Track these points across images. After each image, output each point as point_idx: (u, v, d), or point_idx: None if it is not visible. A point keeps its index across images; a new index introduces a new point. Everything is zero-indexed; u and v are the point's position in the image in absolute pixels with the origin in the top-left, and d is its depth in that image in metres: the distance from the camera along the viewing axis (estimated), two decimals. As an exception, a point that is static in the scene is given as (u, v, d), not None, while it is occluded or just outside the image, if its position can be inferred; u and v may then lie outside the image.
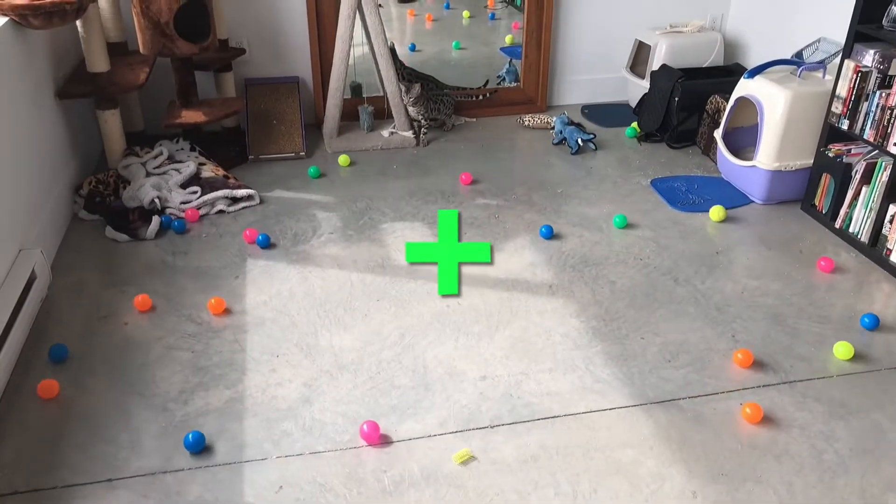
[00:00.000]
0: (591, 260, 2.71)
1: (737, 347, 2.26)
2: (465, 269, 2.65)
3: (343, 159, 3.43)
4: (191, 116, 3.23)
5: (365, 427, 1.90)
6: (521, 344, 2.28)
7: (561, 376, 2.15)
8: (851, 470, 1.84)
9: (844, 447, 1.91)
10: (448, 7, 4.83)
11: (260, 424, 1.96)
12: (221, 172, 3.17)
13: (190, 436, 1.86)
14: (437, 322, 2.37)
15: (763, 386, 2.11)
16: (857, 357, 2.22)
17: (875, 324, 2.33)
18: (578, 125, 3.66)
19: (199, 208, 2.97)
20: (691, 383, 2.12)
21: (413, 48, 4.56)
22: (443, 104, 3.75)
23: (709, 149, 3.51)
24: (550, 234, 2.84)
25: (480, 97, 3.96)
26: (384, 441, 1.91)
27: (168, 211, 2.94)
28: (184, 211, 2.94)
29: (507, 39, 4.67)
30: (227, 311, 2.36)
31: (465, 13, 4.79)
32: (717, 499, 1.76)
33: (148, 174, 3.08)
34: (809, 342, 2.29)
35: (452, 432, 1.95)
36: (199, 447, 1.86)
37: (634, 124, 3.79)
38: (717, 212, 2.97)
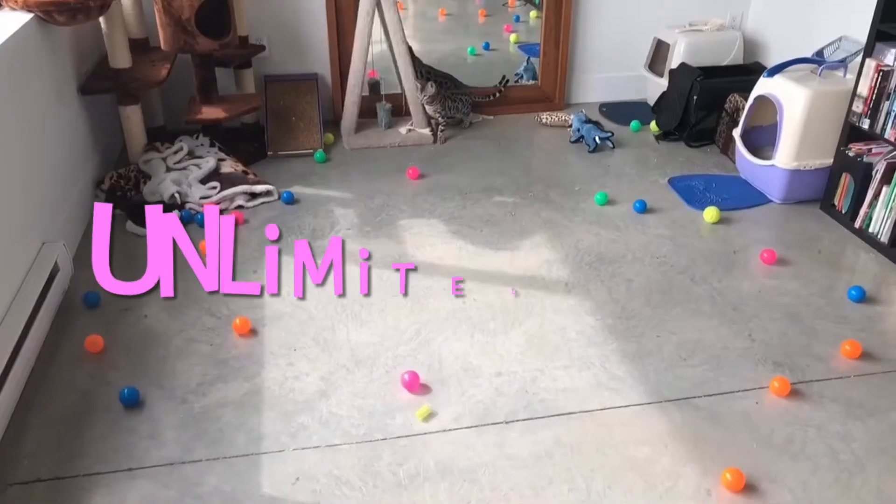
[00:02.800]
0: (607, 258, 2.71)
1: (753, 346, 2.25)
2: (481, 266, 2.65)
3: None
4: (211, 112, 3.26)
5: (406, 376, 2.06)
6: (536, 341, 2.28)
7: (576, 373, 2.16)
8: (868, 469, 1.83)
9: (861, 447, 1.90)
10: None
11: (277, 417, 1.98)
12: (241, 168, 3.20)
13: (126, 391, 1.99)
14: (454, 318, 2.38)
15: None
16: (877, 357, 2.21)
17: (861, 296, 2.41)
18: (596, 123, 3.66)
19: (218, 203, 3.00)
20: (707, 381, 2.12)
21: (487, 46, 4.56)
22: (461, 103, 3.75)
23: (727, 148, 3.50)
24: (644, 208, 2.99)
25: (495, 95, 3.95)
26: (423, 390, 2.07)
27: (188, 205, 2.97)
28: (202, 205, 2.96)
29: (513, 38, 4.67)
30: (253, 332, 2.31)
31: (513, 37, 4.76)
32: (731, 497, 1.76)
33: (168, 169, 3.11)
34: (827, 342, 2.28)
35: (468, 427, 1.97)
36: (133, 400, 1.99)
37: (646, 122, 3.79)
38: (710, 213, 2.96)
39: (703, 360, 2.20)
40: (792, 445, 1.90)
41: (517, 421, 1.99)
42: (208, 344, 2.25)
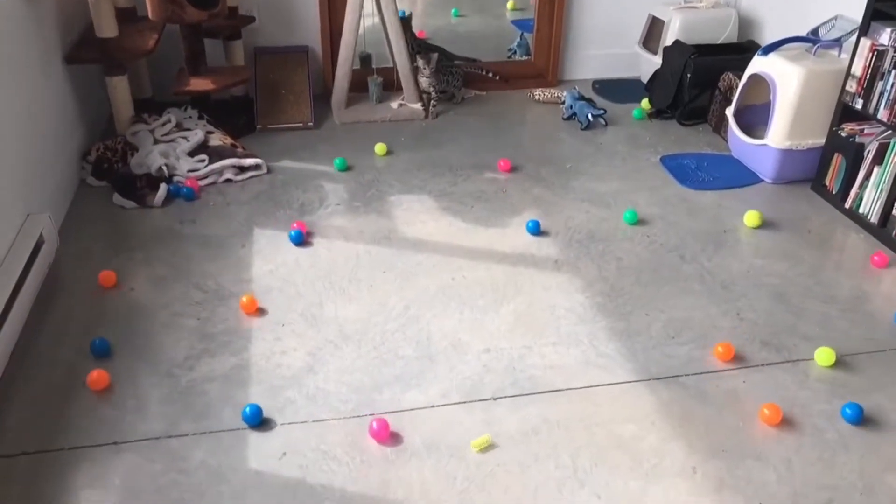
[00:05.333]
0: (597, 236, 2.70)
1: (741, 325, 2.26)
2: (471, 243, 2.64)
3: (380, 148, 3.26)
4: (199, 84, 3.22)
5: (374, 425, 1.83)
6: (525, 318, 2.28)
7: (564, 350, 2.16)
8: (851, 449, 1.85)
9: (845, 426, 1.91)
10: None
11: (264, 392, 1.98)
12: (229, 141, 3.17)
13: (247, 408, 1.87)
14: (442, 295, 2.37)
15: (766, 364, 2.11)
16: (864, 339, 2.22)
17: (857, 415, 1.93)
18: (589, 100, 3.63)
19: (206, 177, 2.97)
20: (694, 360, 2.12)
21: (456, 13, 4.52)
22: (452, 76, 3.72)
23: (720, 126, 3.48)
24: (537, 230, 2.71)
25: (488, 73, 3.91)
26: (395, 440, 1.84)
27: (175, 178, 2.94)
28: (186, 179, 2.93)
29: (510, 5, 4.61)
30: (260, 311, 2.27)
31: (510, 4, 4.70)
32: (716, 475, 1.77)
33: (156, 141, 3.08)
34: (814, 322, 2.28)
35: (455, 403, 1.97)
36: (257, 419, 1.88)
37: (645, 101, 3.76)
38: (752, 217, 2.78)
39: (691, 339, 2.20)
40: (777, 424, 1.91)
41: (505, 397, 1.99)
42: (195, 318, 2.24)
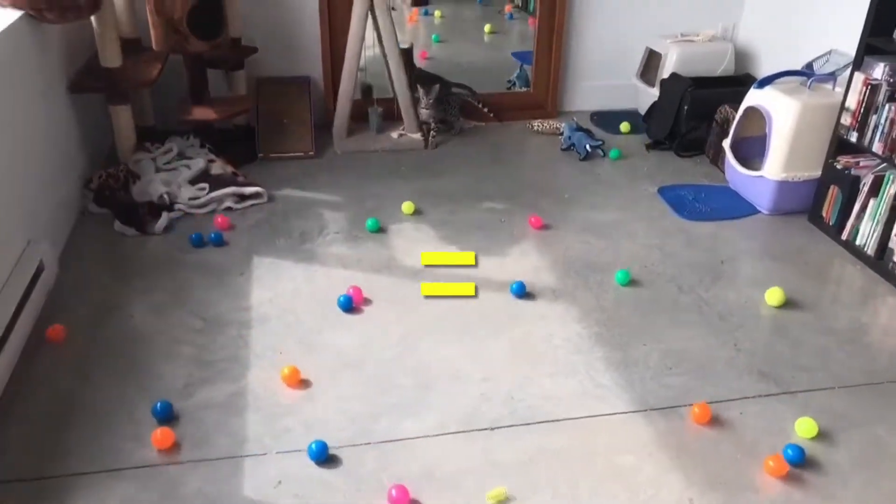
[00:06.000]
0: (595, 266, 2.71)
1: (738, 356, 2.26)
2: (469, 272, 2.65)
3: (407, 207, 3.04)
4: (202, 113, 3.26)
5: (394, 492, 1.74)
6: (522, 347, 2.28)
7: (562, 380, 2.16)
8: (850, 483, 1.84)
9: (844, 459, 1.91)
10: (427, 13, 4.88)
11: (261, 420, 1.98)
12: (231, 170, 3.19)
13: (314, 445, 1.85)
14: (440, 323, 2.38)
15: (764, 395, 2.11)
16: (862, 370, 2.22)
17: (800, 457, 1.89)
18: (587, 131, 3.67)
19: (206, 204, 2.99)
20: (692, 391, 2.12)
21: (437, 39, 4.62)
22: (449, 105, 3.76)
23: (717, 158, 3.52)
24: (522, 292, 2.52)
25: (483, 106, 3.94)
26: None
27: (177, 206, 2.96)
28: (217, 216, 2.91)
29: (487, 28, 4.75)
30: (304, 383, 2.08)
31: (487, 27, 4.82)
32: (713, 502, 1.76)
33: (158, 170, 3.10)
34: (812, 354, 2.29)
35: (452, 433, 1.96)
36: (323, 455, 1.85)
37: (625, 124, 3.87)
38: (774, 294, 2.50)
39: (689, 370, 2.21)
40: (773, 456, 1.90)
41: (502, 427, 1.99)
42: (193, 345, 2.24)
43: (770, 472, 1.84)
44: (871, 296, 2.60)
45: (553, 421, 2.01)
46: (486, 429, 1.98)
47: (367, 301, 2.46)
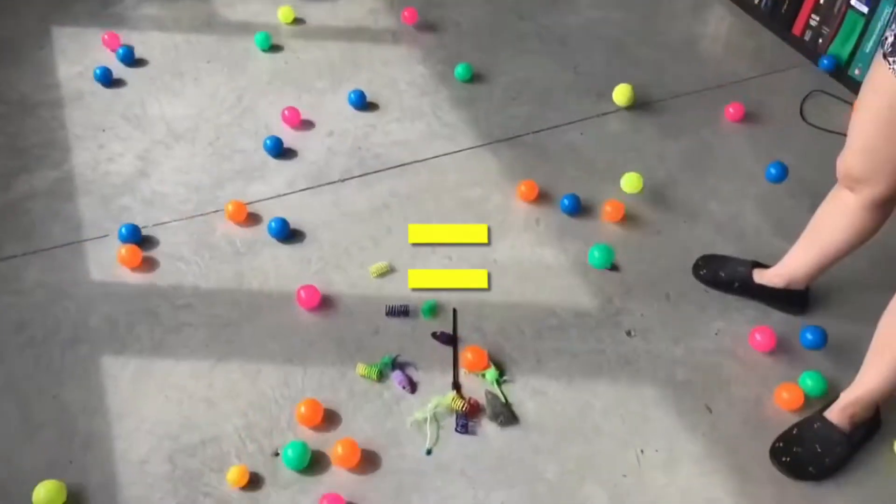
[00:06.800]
0: (433, 1, 2.57)
1: (578, 79, 2.29)
2: (302, 18, 2.45)
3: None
4: None
5: (303, 294, 1.64)
6: (366, 95, 2.20)
7: (409, 125, 2.12)
8: (679, 180, 1.98)
9: (675, 163, 2.04)
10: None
11: (95, 202, 1.85)
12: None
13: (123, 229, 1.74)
14: (277, 80, 2.24)
15: (605, 114, 2.17)
16: (691, 76, 2.31)
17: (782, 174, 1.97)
18: None
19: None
20: (535, 118, 2.15)
21: None
22: None
23: None
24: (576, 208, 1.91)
25: None
26: (326, 304, 1.68)
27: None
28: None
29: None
30: (326, 422, 1.49)
31: None
32: (559, 225, 1.86)
33: None
34: (650, 69, 2.34)
35: (302, 190, 1.93)
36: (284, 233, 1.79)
37: None
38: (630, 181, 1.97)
39: (532, 98, 2.22)
40: (614, 167, 2.00)
41: (352, 178, 1.97)
42: (2, 134, 2.01)
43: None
44: (701, 6, 2.63)
45: (402, 165, 2.00)
46: (335, 181, 1.95)
47: (195, 67, 2.26)
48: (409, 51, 2.37)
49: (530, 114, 2.16)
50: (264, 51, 2.32)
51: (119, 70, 2.21)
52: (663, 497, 1.39)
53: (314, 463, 1.39)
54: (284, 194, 1.91)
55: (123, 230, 1.74)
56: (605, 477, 1.41)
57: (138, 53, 2.28)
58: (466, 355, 1.55)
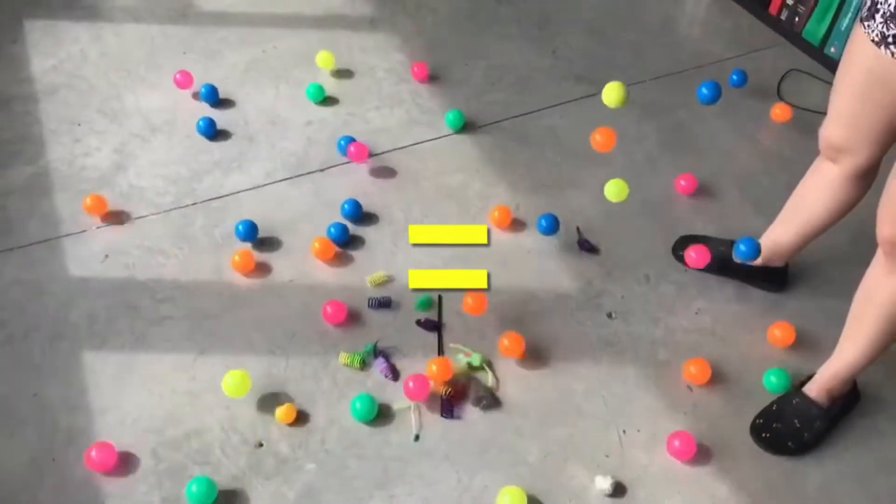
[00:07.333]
0: (411, -12, 2.56)
1: (557, 64, 2.28)
2: (279, 9, 2.44)
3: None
4: None
5: (352, 149, 1.91)
6: (345, 84, 2.19)
7: (388, 112, 2.12)
8: (659, 161, 1.99)
9: (653, 144, 2.04)
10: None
11: (72, 198, 1.84)
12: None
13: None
14: (254, 71, 2.22)
15: (584, 98, 2.17)
16: (670, 59, 2.31)
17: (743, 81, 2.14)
18: None
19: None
20: (513, 104, 2.15)
21: None
22: None
23: None
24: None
25: None
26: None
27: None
28: None
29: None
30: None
31: None
32: (538, 205, 1.86)
33: None
34: (627, 52, 2.34)
35: (281, 180, 1.92)
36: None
37: None
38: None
39: (511, 83, 2.21)
40: (595, 154, 1.99)
41: (333, 167, 1.96)
42: (-26, 130, 2.00)
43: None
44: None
45: (382, 153, 2.00)
46: (315, 171, 1.95)
47: (172, 59, 2.24)
48: (387, 38, 2.36)
49: (509, 99, 2.16)
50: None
51: (95, 62, 2.19)
52: (646, 476, 1.40)
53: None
54: (263, 185, 1.90)
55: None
56: (587, 458, 1.42)
57: (114, 45, 2.26)
58: (503, 342, 1.54)
